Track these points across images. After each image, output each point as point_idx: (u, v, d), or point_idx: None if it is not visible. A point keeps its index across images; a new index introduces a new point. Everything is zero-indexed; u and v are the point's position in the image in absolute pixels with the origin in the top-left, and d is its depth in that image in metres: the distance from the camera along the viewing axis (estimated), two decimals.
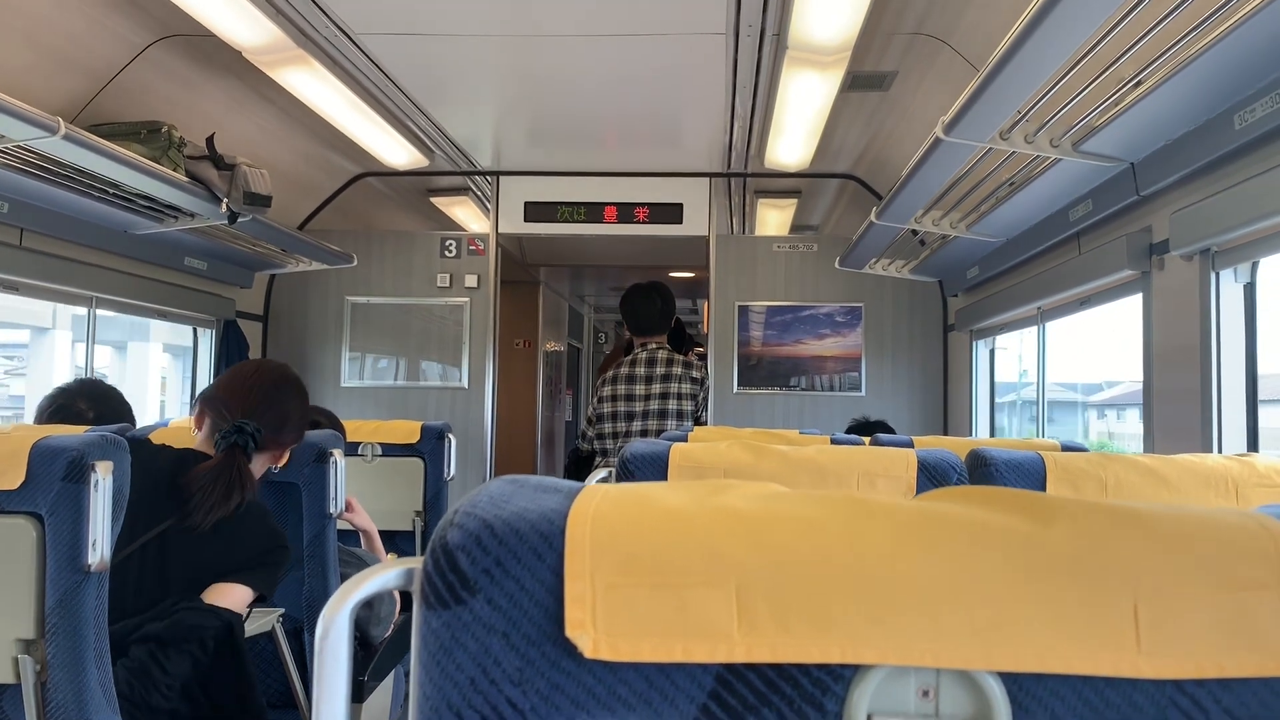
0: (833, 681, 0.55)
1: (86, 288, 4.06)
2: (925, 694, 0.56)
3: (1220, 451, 2.68)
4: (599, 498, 0.60)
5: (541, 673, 0.56)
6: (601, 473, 2.16)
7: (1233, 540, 0.56)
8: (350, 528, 2.94)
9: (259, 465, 2.17)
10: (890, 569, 0.55)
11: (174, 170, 3.65)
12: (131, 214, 3.88)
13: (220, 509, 1.97)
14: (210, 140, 3.84)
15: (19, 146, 2.98)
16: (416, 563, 0.60)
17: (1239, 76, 2.26)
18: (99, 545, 1.62)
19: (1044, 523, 0.57)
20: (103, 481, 1.61)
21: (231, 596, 1.98)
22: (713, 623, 0.55)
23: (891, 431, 3.54)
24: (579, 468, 4.90)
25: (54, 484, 1.60)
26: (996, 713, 0.55)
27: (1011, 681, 0.55)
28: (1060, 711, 0.55)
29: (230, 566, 1.99)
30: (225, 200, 3.87)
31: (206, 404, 2.14)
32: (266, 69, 3.67)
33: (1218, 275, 2.70)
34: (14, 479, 1.60)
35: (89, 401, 2.43)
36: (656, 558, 0.56)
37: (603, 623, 0.55)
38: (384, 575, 0.64)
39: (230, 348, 5.24)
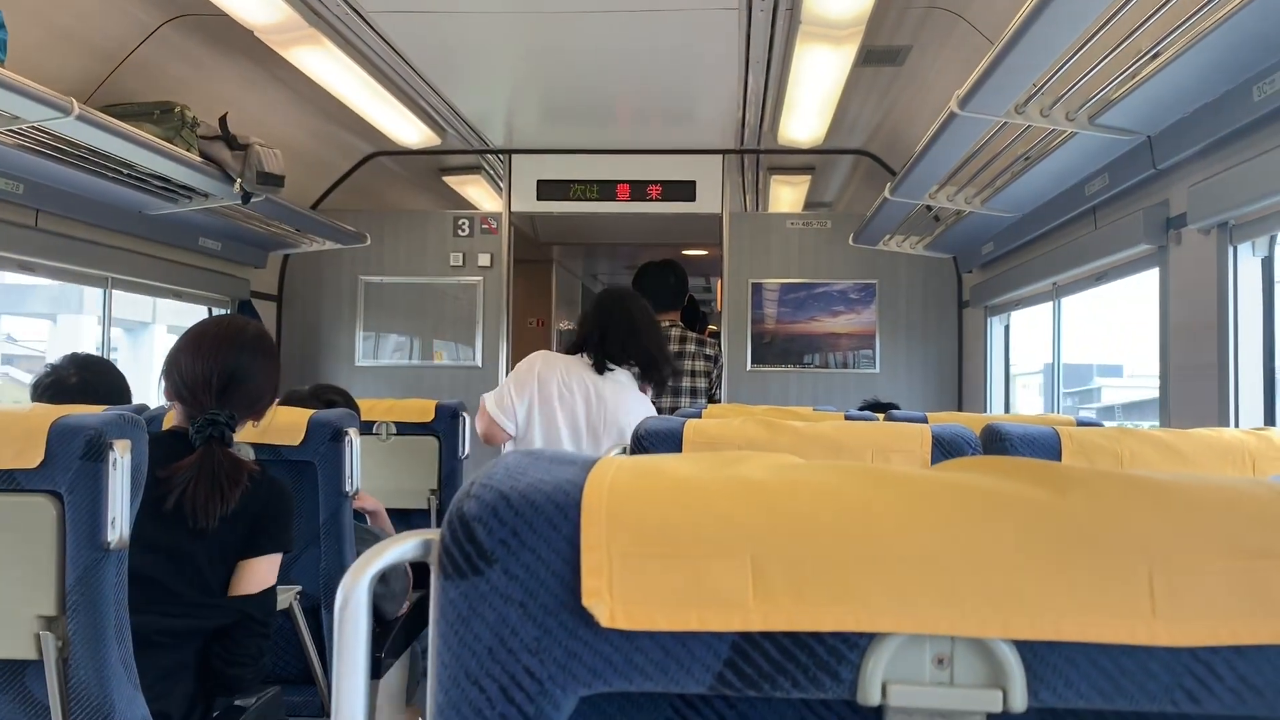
0: (848, 650, 0.56)
1: (102, 268, 4.09)
2: (940, 662, 0.56)
3: (1237, 426, 2.67)
4: (614, 469, 0.60)
5: (559, 642, 0.56)
6: (615, 449, 2.16)
7: (1248, 508, 0.56)
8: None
9: (238, 434, 2.09)
10: (906, 537, 0.55)
11: (187, 150, 3.66)
12: (145, 194, 3.89)
13: (214, 505, 1.91)
14: (223, 120, 3.84)
15: (33, 127, 2.99)
16: (434, 534, 0.60)
17: (1257, 48, 2.23)
18: (118, 523, 1.63)
19: (1059, 491, 0.57)
20: (121, 460, 1.62)
21: (262, 569, 1.99)
22: (728, 591, 0.55)
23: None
24: None
25: (73, 462, 1.61)
26: (1011, 680, 0.55)
27: (1027, 649, 0.55)
28: (1075, 679, 0.55)
29: (252, 544, 1.99)
30: (238, 180, 3.87)
31: (172, 389, 2.04)
32: (278, 48, 3.67)
33: (1236, 249, 2.68)
34: (33, 458, 1.61)
35: (76, 370, 2.47)
36: (672, 527, 0.56)
37: (619, 592, 0.56)
38: (402, 546, 0.64)
39: None
